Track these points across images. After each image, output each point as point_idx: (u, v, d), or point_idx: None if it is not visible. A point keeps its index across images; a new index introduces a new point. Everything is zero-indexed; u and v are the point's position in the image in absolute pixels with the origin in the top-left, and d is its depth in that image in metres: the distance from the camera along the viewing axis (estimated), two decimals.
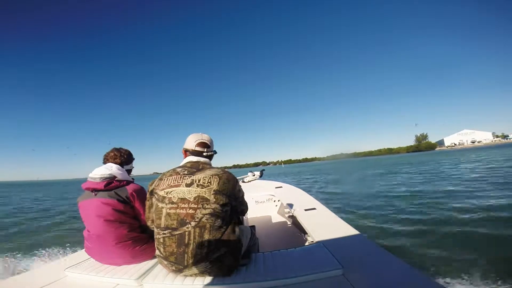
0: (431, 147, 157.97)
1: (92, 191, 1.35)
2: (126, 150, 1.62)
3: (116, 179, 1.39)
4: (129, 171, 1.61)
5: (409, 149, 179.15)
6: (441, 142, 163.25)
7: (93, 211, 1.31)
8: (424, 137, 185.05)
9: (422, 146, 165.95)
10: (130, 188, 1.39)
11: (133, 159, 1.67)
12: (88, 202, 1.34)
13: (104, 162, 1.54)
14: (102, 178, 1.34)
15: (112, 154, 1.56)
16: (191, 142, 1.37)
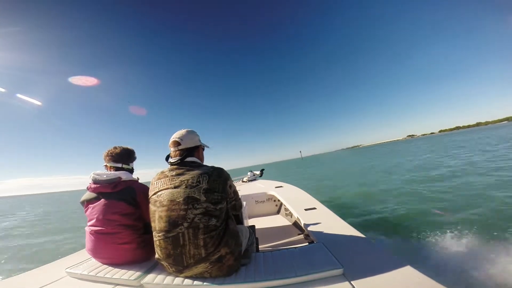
0: None
1: (97, 193, 1.33)
2: (120, 149, 1.50)
3: (121, 180, 1.36)
4: (129, 171, 1.53)
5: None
6: None
7: (97, 212, 1.30)
8: None
9: None
10: (136, 189, 1.37)
11: (134, 158, 1.55)
12: (92, 203, 1.33)
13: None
14: (107, 180, 1.33)
15: (109, 152, 1.47)
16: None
